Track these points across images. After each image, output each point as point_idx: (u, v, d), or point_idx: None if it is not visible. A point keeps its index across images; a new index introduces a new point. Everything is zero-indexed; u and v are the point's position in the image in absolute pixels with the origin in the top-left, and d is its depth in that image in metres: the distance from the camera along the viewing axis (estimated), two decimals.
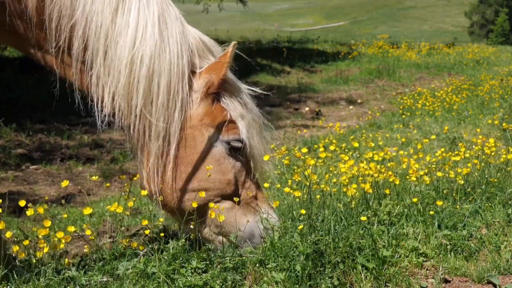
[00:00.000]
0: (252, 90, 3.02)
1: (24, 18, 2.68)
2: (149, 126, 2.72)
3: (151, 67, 2.67)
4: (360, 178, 3.92)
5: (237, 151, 2.86)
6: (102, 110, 2.71)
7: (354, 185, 3.61)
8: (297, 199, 3.57)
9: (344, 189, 3.75)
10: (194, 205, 2.75)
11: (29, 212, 2.75)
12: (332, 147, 4.80)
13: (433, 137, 7.40)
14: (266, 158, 3.01)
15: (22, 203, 2.81)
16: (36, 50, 2.78)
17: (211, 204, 2.80)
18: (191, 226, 2.80)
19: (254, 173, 2.96)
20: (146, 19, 2.68)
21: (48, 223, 2.74)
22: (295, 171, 3.57)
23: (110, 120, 2.74)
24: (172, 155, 2.74)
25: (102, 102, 2.70)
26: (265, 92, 3.06)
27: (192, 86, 2.80)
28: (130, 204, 3.13)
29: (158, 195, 2.78)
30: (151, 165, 2.74)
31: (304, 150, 3.78)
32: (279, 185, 4.19)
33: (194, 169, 2.79)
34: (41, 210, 2.76)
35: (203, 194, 2.78)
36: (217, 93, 2.84)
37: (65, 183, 3.08)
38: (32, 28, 2.71)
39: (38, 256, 2.70)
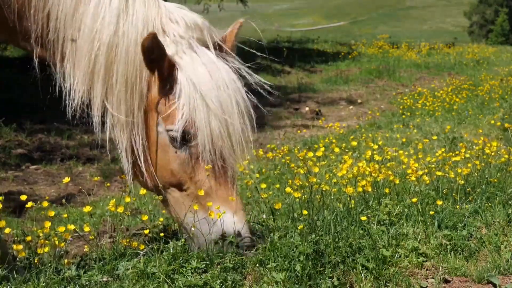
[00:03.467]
0: (262, 84, 2.91)
1: (10, 10, 2.73)
2: (111, 119, 2.74)
3: (108, 56, 2.65)
4: (360, 177, 3.91)
5: (175, 141, 2.72)
6: (73, 100, 2.73)
7: (351, 188, 3.60)
8: (297, 199, 3.57)
9: (344, 189, 3.75)
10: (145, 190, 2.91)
11: (29, 204, 2.78)
12: (336, 150, 4.80)
13: (434, 137, 7.40)
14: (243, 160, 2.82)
15: (23, 197, 2.84)
16: (24, 42, 2.83)
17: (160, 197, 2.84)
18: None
19: (213, 166, 2.73)
20: (105, 6, 2.66)
21: (48, 223, 2.76)
22: (295, 171, 3.56)
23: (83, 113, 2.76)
24: (138, 144, 2.76)
25: (73, 90, 2.73)
26: (269, 88, 2.90)
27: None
28: (128, 199, 3.15)
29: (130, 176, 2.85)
30: (123, 153, 2.81)
31: (310, 154, 3.77)
32: (278, 185, 4.19)
33: (150, 154, 2.80)
34: (45, 204, 2.79)
35: (155, 179, 2.82)
36: (170, 76, 2.71)
37: (66, 180, 3.10)
38: (16, 20, 2.74)
39: (39, 252, 2.71)
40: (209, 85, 2.71)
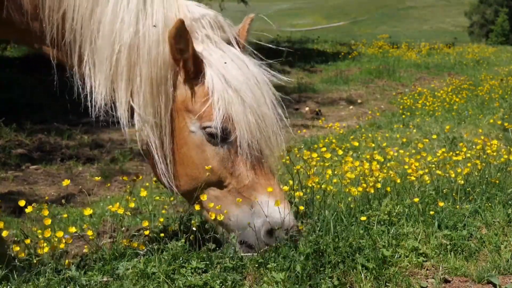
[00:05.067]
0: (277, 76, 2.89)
1: (22, 12, 2.69)
2: (139, 120, 2.70)
3: (130, 58, 2.62)
4: (361, 177, 3.91)
5: (213, 137, 2.70)
6: (96, 103, 2.69)
7: (354, 189, 3.59)
8: (297, 199, 3.57)
9: (345, 189, 3.75)
10: (185, 189, 2.80)
11: (28, 209, 2.76)
12: (340, 152, 4.78)
13: (434, 137, 7.40)
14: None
15: (22, 203, 2.82)
16: (37, 44, 2.79)
17: (203, 197, 2.78)
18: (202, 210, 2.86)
19: (251, 161, 2.74)
20: (123, 7, 2.62)
21: (48, 221, 2.75)
22: (296, 172, 3.56)
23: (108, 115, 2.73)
24: (167, 144, 2.73)
25: (94, 93, 2.69)
26: (285, 81, 2.91)
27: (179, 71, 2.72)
28: (132, 205, 3.13)
29: (168, 183, 2.80)
30: (157, 155, 2.73)
31: (314, 155, 3.77)
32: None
33: (182, 157, 2.76)
34: (45, 212, 2.77)
35: (191, 180, 2.77)
36: (199, 73, 2.70)
37: (66, 182, 3.09)
38: (29, 21, 2.71)
39: (39, 252, 2.70)
40: (240, 79, 2.71)
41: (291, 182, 3.55)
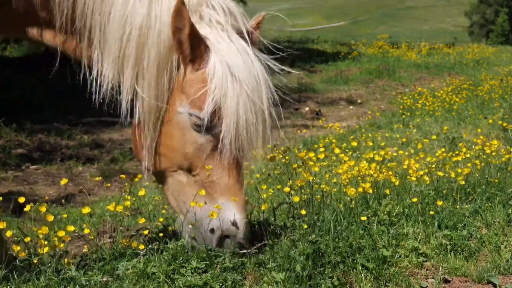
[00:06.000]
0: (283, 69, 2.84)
1: (31, 2, 2.69)
2: (142, 103, 2.68)
3: (140, 40, 2.60)
4: (360, 178, 3.92)
5: (198, 126, 2.65)
6: (101, 86, 2.67)
7: (352, 189, 3.60)
8: (297, 198, 3.56)
9: (345, 189, 3.76)
10: (155, 168, 2.79)
11: (27, 208, 2.77)
12: (337, 151, 4.80)
13: (434, 137, 7.40)
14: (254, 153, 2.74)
15: (21, 199, 2.83)
16: (42, 32, 2.79)
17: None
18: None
19: (228, 159, 2.68)
20: None
21: (51, 217, 2.76)
22: (295, 172, 3.56)
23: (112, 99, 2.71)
24: (158, 124, 2.71)
25: (101, 76, 2.67)
26: (295, 71, 2.87)
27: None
28: (128, 203, 3.13)
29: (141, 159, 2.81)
30: (145, 129, 2.72)
31: (311, 154, 3.76)
32: (279, 186, 4.19)
33: (164, 134, 2.74)
34: (43, 209, 2.77)
35: (166, 160, 2.75)
36: (200, 56, 2.64)
37: (63, 181, 3.09)
38: (37, 11, 2.71)
39: (39, 252, 2.70)
40: (242, 73, 2.65)
41: (290, 182, 3.54)
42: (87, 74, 2.73)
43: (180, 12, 2.53)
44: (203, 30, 2.67)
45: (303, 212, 3.17)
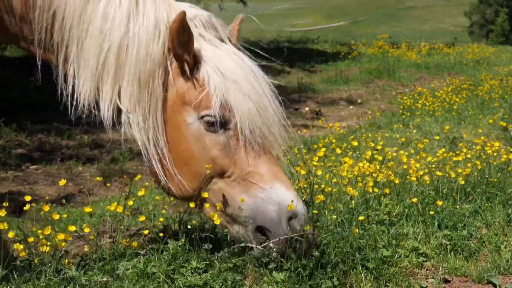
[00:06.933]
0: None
1: (12, 13, 2.69)
2: (126, 120, 2.67)
3: (119, 57, 2.60)
4: (360, 178, 3.92)
5: (212, 125, 2.63)
6: (78, 101, 2.66)
7: (353, 189, 3.60)
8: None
9: (345, 189, 3.76)
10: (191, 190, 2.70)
11: (27, 207, 2.77)
12: (338, 151, 4.80)
13: (434, 137, 7.40)
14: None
15: (27, 197, 2.84)
16: (26, 44, 2.79)
17: (204, 194, 2.70)
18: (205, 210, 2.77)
19: (254, 148, 2.66)
20: (115, 6, 2.60)
21: (57, 216, 2.76)
22: (297, 171, 3.56)
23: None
24: (162, 144, 2.68)
25: (77, 92, 2.66)
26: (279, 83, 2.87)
27: (169, 69, 2.68)
28: (130, 203, 3.13)
29: (165, 184, 2.73)
30: (151, 157, 2.68)
31: (315, 158, 3.75)
32: None
33: (181, 154, 2.70)
34: (46, 208, 2.77)
35: (194, 177, 2.69)
36: (194, 67, 2.66)
37: (62, 182, 3.09)
38: (17, 22, 2.70)
39: (41, 250, 2.70)
40: (237, 71, 2.68)
41: (290, 182, 3.54)
42: (64, 88, 2.71)
43: (185, 28, 2.56)
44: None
45: (315, 211, 3.16)
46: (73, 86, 2.68)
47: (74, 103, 2.68)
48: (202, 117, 2.66)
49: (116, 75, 2.64)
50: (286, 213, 2.59)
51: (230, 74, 2.66)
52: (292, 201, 2.58)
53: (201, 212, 2.85)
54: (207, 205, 2.75)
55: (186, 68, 2.66)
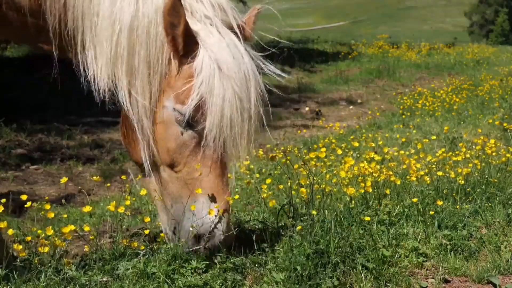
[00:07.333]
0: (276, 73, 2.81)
1: (19, 8, 2.68)
2: (136, 104, 2.64)
3: (130, 38, 2.57)
4: (360, 178, 3.91)
5: (180, 123, 2.62)
6: (100, 87, 2.63)
7: (352, 189, 3.59)
8: (298, 199, 3.57)
9: (345, 189, 3.75)
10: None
11: (28, 204, 2.78)
12: (339, 151, 4.78)
13: (434, 137, 7.40)
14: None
15: (24, 197, 2.85)
16: (39, 38, 2.79)
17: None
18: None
19: (211, 157, 2.63)
20: None
21: (51, 214, 2.75)
22: (295, 172, 3.57)
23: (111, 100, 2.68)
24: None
25: (97, 78, 2.64)
26: (285, 77, 2.81)
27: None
28: (127, 202, 3.13)
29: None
30: (139, 135, 2.68)
31: (312, 155, 3.75)
32: (282, 186, 4.18)
33: (155, 131, 2.69)
34: (48, 206, 2.78)
35: (150, 154, 2.70)
36: (190, 52, 2.60)
37: (63, 180, 3.09)
38: (26, 17, 2.69)
39: (40, 250, 2.70)
40: (231, 68, 2.60)
41: (290, 182, 3.54)
42: (86, 76, 2.69)
43: (175, 8, 2.51)
44: (194, 26, 2.65)
45: (314, 212, 3.17)
46: (93, 72, 2.66)
47: (96, 88, 2.65)
48: (174, 109, 2.63)
49: (129, 56, 2.61)
50: (201, 230, 2.63)
51: (224, 69, 2.60)
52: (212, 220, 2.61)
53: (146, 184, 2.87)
54: (148, 181, 2.81)
55: (180, 49, 2.60)
